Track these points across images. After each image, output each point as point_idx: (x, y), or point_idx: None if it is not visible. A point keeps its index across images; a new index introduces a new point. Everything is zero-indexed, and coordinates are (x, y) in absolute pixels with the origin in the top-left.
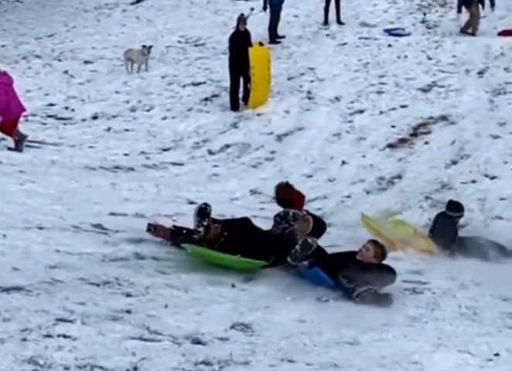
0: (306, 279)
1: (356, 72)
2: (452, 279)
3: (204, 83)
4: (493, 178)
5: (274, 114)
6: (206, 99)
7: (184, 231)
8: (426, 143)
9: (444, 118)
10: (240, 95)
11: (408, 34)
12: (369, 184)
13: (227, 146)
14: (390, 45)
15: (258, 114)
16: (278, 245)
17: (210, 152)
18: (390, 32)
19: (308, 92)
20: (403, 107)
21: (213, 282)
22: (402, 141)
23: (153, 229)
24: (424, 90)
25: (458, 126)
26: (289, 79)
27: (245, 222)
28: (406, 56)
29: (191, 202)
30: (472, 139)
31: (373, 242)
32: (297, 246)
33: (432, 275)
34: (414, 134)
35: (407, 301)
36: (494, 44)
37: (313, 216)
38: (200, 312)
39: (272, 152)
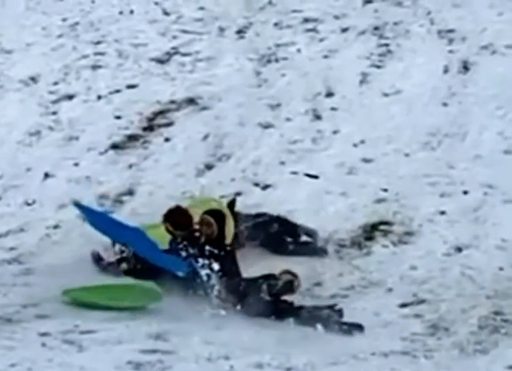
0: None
1: (61, 38)
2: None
3: None
4: (265, 187)
5: None
6: None
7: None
8: (167, 140)
9: (191, 101)
10: None
11: None
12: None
13: None
14: None
15: None
16: None
17: None
18: None
19: None
20: (131, 87)
21: None
22: (132, 138)
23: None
24: (160, 61)
25: (212, 112)
26: None
27: None
28: (132, 12)
29: None
30: (234, 131)
31: (289, 273)
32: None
33: (186, 337)
34: (149, 128)
35: None
36: None
37: (209, 211)
38: None
39: None
